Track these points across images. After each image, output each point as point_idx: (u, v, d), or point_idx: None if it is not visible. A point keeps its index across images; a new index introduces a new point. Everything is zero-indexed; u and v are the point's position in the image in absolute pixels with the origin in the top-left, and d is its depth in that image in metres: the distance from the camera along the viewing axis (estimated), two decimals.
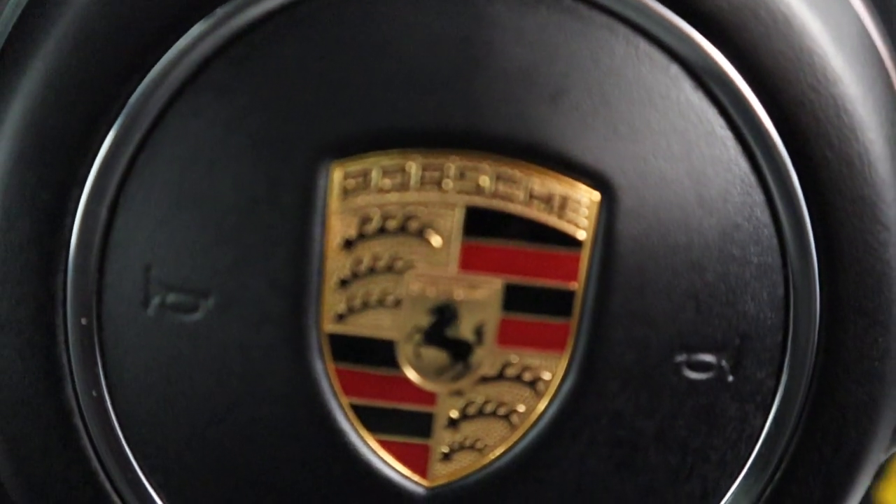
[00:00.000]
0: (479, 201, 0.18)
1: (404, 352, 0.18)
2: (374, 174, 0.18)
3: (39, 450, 0.20)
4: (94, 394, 0.19)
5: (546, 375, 0.19)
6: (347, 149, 0.18)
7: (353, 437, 0.19)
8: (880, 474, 0.70)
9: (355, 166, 0.18)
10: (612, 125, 0.18)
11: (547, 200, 0.18)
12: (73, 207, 0.19)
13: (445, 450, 0.19)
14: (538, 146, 0.18)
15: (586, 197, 0.18)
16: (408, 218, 0.18)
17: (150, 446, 0.20)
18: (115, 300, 0.19)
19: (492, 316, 0.18)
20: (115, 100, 0.18)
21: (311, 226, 0.18)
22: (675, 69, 0.18)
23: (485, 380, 0.19)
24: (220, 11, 0.18)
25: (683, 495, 0.20)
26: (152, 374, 0.19)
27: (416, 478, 0.19)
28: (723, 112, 0.18)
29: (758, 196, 0.19)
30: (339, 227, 0.18)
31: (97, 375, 0.19)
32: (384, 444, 0.19)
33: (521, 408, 0.19)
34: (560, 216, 0.18)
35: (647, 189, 0.18)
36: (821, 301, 0.19)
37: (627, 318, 0.18)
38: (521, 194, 0.18)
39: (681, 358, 0.19)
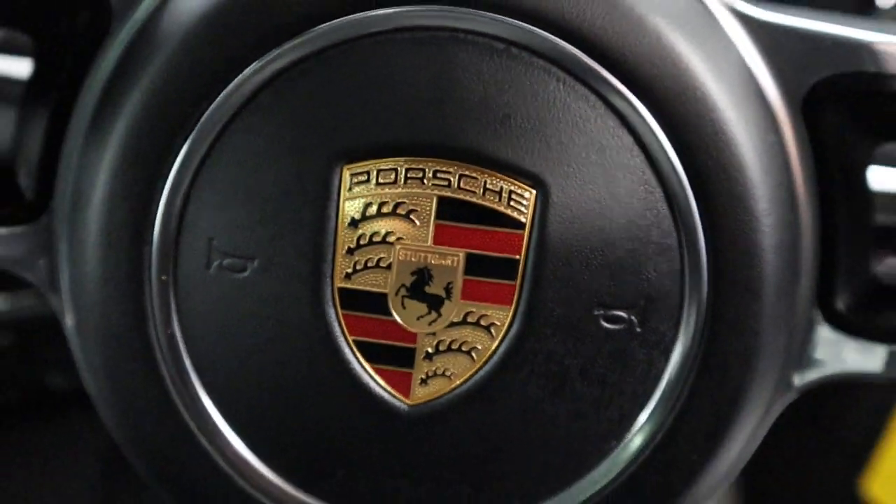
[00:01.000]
0: (448, 194, 0.24)
1: (393, 303, 0.25)
2: (373, 174, 0.25)
3: (126, 373, 0.27)
4: (168, 331, 0.26)
5: (497, 322, 0.25)
6: (354, 156, 0.25)
7: (356, 366, 0.26)
8: (862, 463, 0.74)
9: (359, 168, 0.25)
10: (545, 141, 0.24)
11: (498, 194, 0.25)
12: (158, 196, 0.26)
13: (423, 377, 0.25)
14: (491, 155, 0.24)
15: (527, 192, 0.24)
16: (397, 205, 0.25)
17: (209, 371, 0.26)
18: (186, 263, 0.26)
19: (457, 278, 0.25)
20: (190, 119, 0.25)
21: (327, 210, 0.25)
22: (593, 99, 0.24)
23: (452, 325, 0.25)
24: (265, 57, 0.25)
25: (604, 420, 0.26)
26: (211, 317, 0.26)
27: (400, 397, 0.26)
28: (631, 132, 0.25)
29: (658, 194, 0.25)
30: (347, 211, 0.25)
31: (171, 318, 0.26)
32: (378, 371, 0.26)
33: (479, 346, 0.25)
34: (507, 206, 0.25)
35: (571, 187, 0.24)
36: (707, 273, 0.25)
37: (557, 282, 0.25)
38: (478, 190, 0.24)
39: (598, 312, 0.25)
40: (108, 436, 0.29)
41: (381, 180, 0.24)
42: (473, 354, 0.25)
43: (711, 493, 0.28)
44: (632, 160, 0.25)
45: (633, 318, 0.25)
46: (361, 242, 0.25)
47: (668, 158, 0.25)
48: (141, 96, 0.26)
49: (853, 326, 0.28)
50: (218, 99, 0.25)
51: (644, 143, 0.24)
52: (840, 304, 0.28)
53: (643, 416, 0.26)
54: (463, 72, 0.24)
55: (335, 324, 0.25)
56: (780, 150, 0.26)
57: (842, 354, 0.28)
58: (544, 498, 0.26)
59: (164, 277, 0.26)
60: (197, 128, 0.25)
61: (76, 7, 0.28)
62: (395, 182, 0.24)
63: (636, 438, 0.26)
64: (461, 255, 0.25)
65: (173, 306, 0.26)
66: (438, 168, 0.24)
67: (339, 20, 0.24)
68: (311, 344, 0.25)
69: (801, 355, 0.28)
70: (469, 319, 0.25)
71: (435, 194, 0.24)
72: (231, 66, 0.25)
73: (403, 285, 0.25)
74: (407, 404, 0.26)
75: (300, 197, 0.25)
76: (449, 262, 0.25)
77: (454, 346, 0.25)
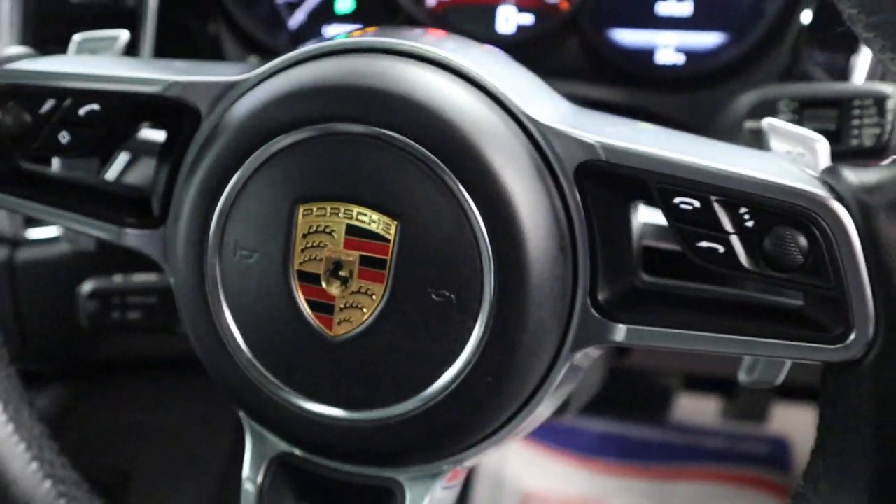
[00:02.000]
0: (351, 222, 0.45)
1: (323, 279, 0.46)
2: (314, 210, 0.45)
3: (195, 311, 0.48)
4: (215, 290, 0.49)
5: (376, 293, 0.45)
6: (304, 200, 0.45)
7: (306, 313, 0.46)
8: None
9: (307, 207, 0.45)
10: (403, 194, 0.44)
11: (377, 223, 0.45)
12: (212, 217, 0.48)
13: (338, 321, 0.46)
14: (374, 202, 0.44)
15: (393, 222, 0.44)
16: (325, 227, 0.45)
17: (235, 313, 0.48)
18: (224, 252, 0.48)
19: (355, 268, 0.45)
20: (231, 175, 0.47)
21: (291, 228, 0.46)
22: (428, 172, 0.44)
23: (353, 293, 0.45)
24: (265, 145, 0.46)
25: (436, 355, 0.44)
26: (236, 283, 0.48)
27: (327, 332, 0.46)
28: (450, 191, 0.43)
29: (466, 222, 0.43)
30: (300, 229, 0.46)
31: (217, 282, 0.48)
32: (317, 317, 0.46)
33: (365, 307, 0.45)
34: (382, 229, 0.44)
35: (416, 220, 0.44)
36: (494, 274, 0.43)
37: (407, 272, 0.44)
38: (367, 220, 0.45)
39: (431, 290, 0.44)
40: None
41: (317, 213, 0.45)
42: (363, 310, 0.45)
43: (500, 431, 0.46)
44: (450, 206, 0.44)
45: (451, 295, 0.44)
46: (308, 246, 0.46)
47: (472, 207, 0.43)
48: (210, 160, 0.47)
49: (609, 313, 0.45)
50: (244, 165, 0.47)
51: (457, 198, 0.43)
52: (601, 298, 0.45)
53: (457, 358, 0.44)
54: (362, 157, 0.44)
55: (295, 290, 0.46)
56: (561, 205, 0.44)
57: (603, 331, 0.44)
58: (396, 402, 0.45)
59: (214, 260, 0.48)
60: (233, 179, 0.47)
61: (184, 111, 0.51)
62: (324, 215, 0.45)
63: (451, 370, 0.43)
64: (357, 255, 0.45)
65: (218, 276, 0.48)
66: (346, 208, 0.45)
67: (301, 128, 0.45)
68: (283, 300, 0.46)
69: (577, 330, 0.45)
70: (361, 290, 0.45)
71: (345, 221, 0.45)
72: (249, 150, 0.46)
73: (328, 270, 0.46)
74: (330, 335, 0.46)
75: (278, 220, 0.46)
76: (351, 258, 0.45)
77: (353, 305, 0.45)
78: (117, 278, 0.68)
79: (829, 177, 0.41)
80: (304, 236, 0.46)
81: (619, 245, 0.45)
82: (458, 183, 0.43)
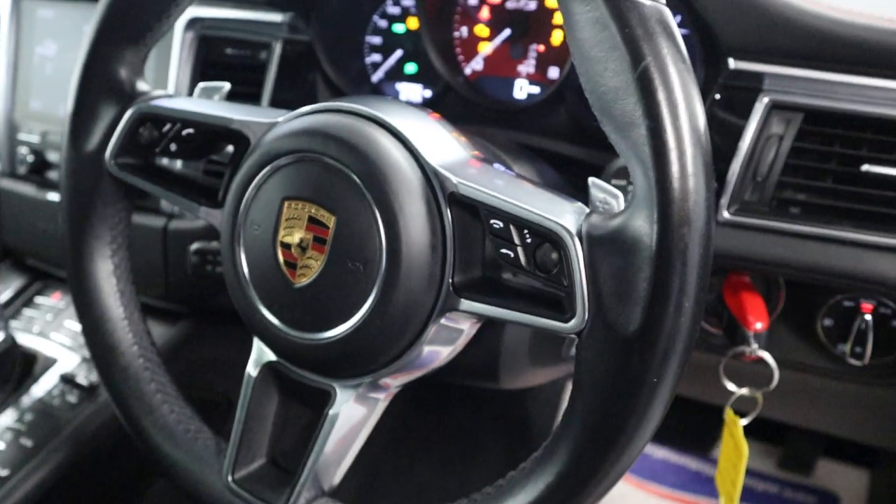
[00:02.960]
0: (311, 214, 0.73)
1: (293, 248, 0.74)
2: (293, 205, 0.74)
3: (230, 265, 0.79)
4: (239, 251, 0.79)
5: (321, 259, 0.73)
6: (287, 198, 0.74)
7: (283, 268, 0.75)
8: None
9: (290, 202, 0.74)
10: (338, 195, 0.72)
11: (325, 215, 0.72)
12: (240, 206, 0.78)
13: (299, 274, 0.74)
14: (322, 202, 0.72)
15: (332, 216, 0.72)
16: (297, 216, 0.74)
17: (249, 267, 0.78)
18: (245, 227, 0.78)
19: (310, 242, 0.73)
20: (253, 178, 0.77)
21: (278, 215, 0.75)
22: (355, 186, 0.71)
23: (308, 258, 0.73)
24: (273, 163, 0.76)
25: (352, 301, 0.72)
26: (252, 251, 0.78)
27: (293, 280, 0.74)
28: (365, 198, 0.70)
29: (374, 222, 0.68)
30: (283, 216, 0.75)
31: (239, 245, 0.78)
32: (288, 271, 0.74)
33: (313, 267, 0.73)
34: (325, 218, 0.72)
35: (346, 216, 0.71)
36: (385, 253, 0.69)
37: (337, 247, 0.71)
38: (317, 213, 0.72)
39: (349, 261, 0.70)
40: None
41: (294, 207, 0.74)
42: (312, 269, 0.73)
43: (395, 362, 0.70)
44: (365, 210, 0.70)
45: (360, 266, 0.68)
46: (287, 227, 0.74)
47: (376, 213, 0.69)
48: (243, 170, 0.78)
49: (459, 292, 0.66)
50: (260, 174, 0.76)
51: (370, 206, 0.70)
52: (457, 281, 0.70)
53: (362, 307, 0.65)
54: (322, 175, 0.72)
55: (278, 252, 0.75)
56: (438, 218, 0.70)
57: (454, 303, 0.66)
58: (327, 329, 0.71)
59: (239, 233, 0.78)
60: (254, 181, 0.77)
61: (241, 138, 0.82)
62: (298, 208, 0.74)
63: (358, 314, 0.65)
64: (312, 235, 0.73)
65: (242, 242, 0.78)
66: (309, 205, 0.73)
67: (290, 155, 0.74)
68: (271, 258, 0.75)
69: (441, 301, 0.67)
70: (312, 257, 0.73)
71: (308, 213, 0.73)
72: (263, 165, 0.76)
73: (296, 243, 0.74)
74: (294, 283, 0.74)
75: (273, 209, 0.75)
76: (309, 236, 0.73)
77: (307, 266, 0.73)
78: (215, 243, 1.01)
79: (583, 217, 0.64)
80: (286, 220, 0.74)
81: (472, 248, 0.70)
82: (370, 197, 0.69)
